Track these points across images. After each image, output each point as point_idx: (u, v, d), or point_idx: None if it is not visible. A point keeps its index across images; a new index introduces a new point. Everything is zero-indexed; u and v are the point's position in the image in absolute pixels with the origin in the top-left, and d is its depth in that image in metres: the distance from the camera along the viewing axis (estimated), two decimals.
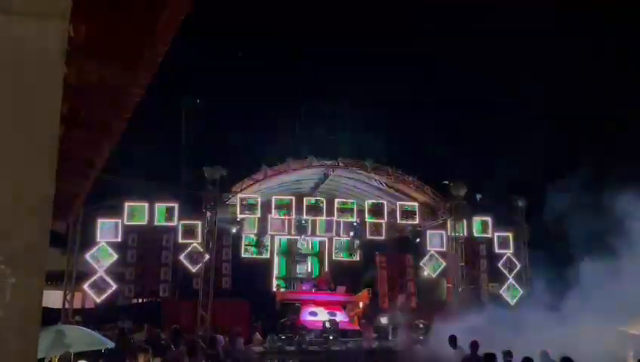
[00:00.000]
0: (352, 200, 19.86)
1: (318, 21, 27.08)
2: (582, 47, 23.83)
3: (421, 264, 20.38)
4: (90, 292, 16.62)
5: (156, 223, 17.10)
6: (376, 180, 19.42)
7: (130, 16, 4.16)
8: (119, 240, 16.84)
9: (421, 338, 16.37)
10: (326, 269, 22.58)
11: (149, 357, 7.49)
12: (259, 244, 20.73)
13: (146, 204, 16.96)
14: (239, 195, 17.85)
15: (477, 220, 19.50)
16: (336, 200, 19.63)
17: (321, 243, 22.86)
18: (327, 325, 16.74)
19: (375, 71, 27.16)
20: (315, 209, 19.21)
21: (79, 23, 4.08)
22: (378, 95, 25.44)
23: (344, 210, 19.47)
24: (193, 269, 17.35)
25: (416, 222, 19.68)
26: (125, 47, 4.61)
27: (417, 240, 20.53)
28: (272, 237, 21.24)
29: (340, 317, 17.92)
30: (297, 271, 22.82)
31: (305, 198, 19.34)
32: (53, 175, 1.62)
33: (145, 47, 4.56)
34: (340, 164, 18.60)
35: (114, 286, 16.57)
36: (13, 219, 1.51)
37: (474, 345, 11.04)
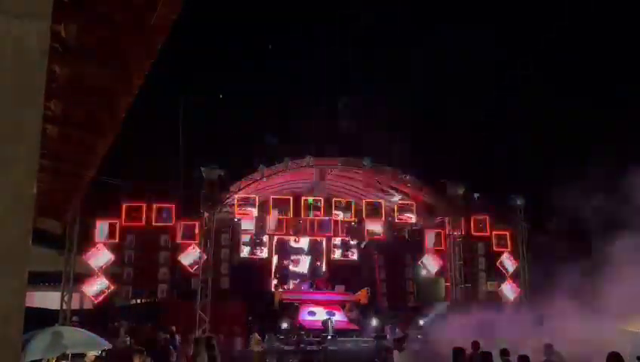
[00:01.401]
0: (350, 200, 19.85)
1: (312, 18, 27.05)
2: (582, 42, 23.84)
3: (419, 263, 20.37)
4: (88, 294, 16.59)
5: (154, 224, 17.07)
6: (374, 180, 19.40)
7: (122, 17, 4.16)
8: (117, 240, 16.82)
9: (419, 336, 16.38)
10: (324, 269, 22.58)
11: (144, 358, 7.46)
12: (257, 244, 20.71)
13: (144, 205, 16.94)
14: (237, 195, 17.82)
15: (475, 219, 19.48)
16: (334, 200, 19.61)
17: (320, 242, 22.84)
18: (326, 324, 16.74)
19: (374, 69, 27.14)
20: (313, 208, 19.18)
21: (71, 23, 4.07)
22: (377, 93, 25.43)
23: (342, 210, 19.46)
24: (191, 269, 17.32)
25: (414, 221, 19.66)
26: (117, 48, 4.61)
27: (415, 239, 20.50)
28: (270, 236, 21.22)
29: (339, 316, 17.91)
30: (296, 271, 22.80)
31: (303, 198, 19.31)
32: (34, 175, 1.60)
33: (137, 47, 4.56)
34: (338, 163, 18.58)
35: (112, 287, 16.54)
36: None
37: (475, 345, 11.02)
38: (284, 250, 22.51)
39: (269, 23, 27.34)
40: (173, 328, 13.81)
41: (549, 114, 24.71)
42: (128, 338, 13.66)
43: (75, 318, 15.58)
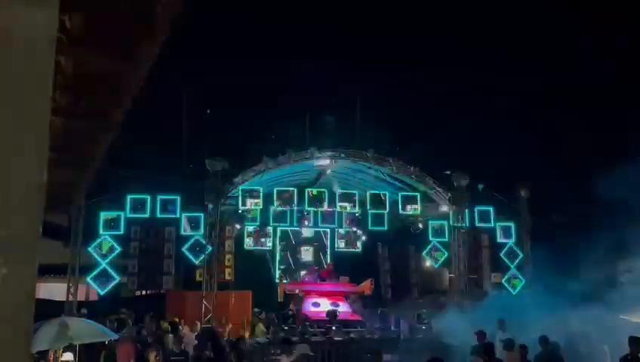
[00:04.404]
0: (354, 191, 19.84)
1: (320, 11, 26.94)
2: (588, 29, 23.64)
3: (423, 254, 20.38)
4: (94, 285, 16.67)
5: (159, 215, 17.11)
6: (377, 171, 19.39)
7: (127, 6, 4.15)
8: (122, 232, 16.87)
9: (424, 327, 16.45)
10: (329, 260, 22.65)
11: (160, 355, 7.50)
12: (261, 236, 20.76)
13: (149, 196, 16.97)
14: (241, 187, 17.86)
15: (479, 210, 19.45)
16: (338, 191, 19.62)
17: (324, 234, 22.88)
18: (330, 315, 16.80)
19: (375, 62, 27.04)
20: (316, 200, 19.20)
21: (76, 13, 4.07)
22: (379, 85, 25.35)
23: (346, 201, 19.46)
24: (196, 261, 17.39)
25: (418, 212, 19.65)
26: (123, 38, 4.61)
27: (419, 230, 20.50)
28: (275, 228, 21.27)
29: (343, 307, 17.97)
30: (300, 262, 22.88)
31: (307, 189, 19.33)
32: (45, 163, 1.61)
33: (142, 37, 4.55)
34: (341, 154, 18.57)
35: (117, 279, 16.62)
36: (3, 208, 1.51)
37: (480, 336, 11.05)
38: (290, 242, 22.59)
39: (273, 14, 27.25)
40: (176, 319, 13.90)
41: (552, 102, 24.61)
42: (135, 329, 13.75)
43: (83, 310, 15.66)
